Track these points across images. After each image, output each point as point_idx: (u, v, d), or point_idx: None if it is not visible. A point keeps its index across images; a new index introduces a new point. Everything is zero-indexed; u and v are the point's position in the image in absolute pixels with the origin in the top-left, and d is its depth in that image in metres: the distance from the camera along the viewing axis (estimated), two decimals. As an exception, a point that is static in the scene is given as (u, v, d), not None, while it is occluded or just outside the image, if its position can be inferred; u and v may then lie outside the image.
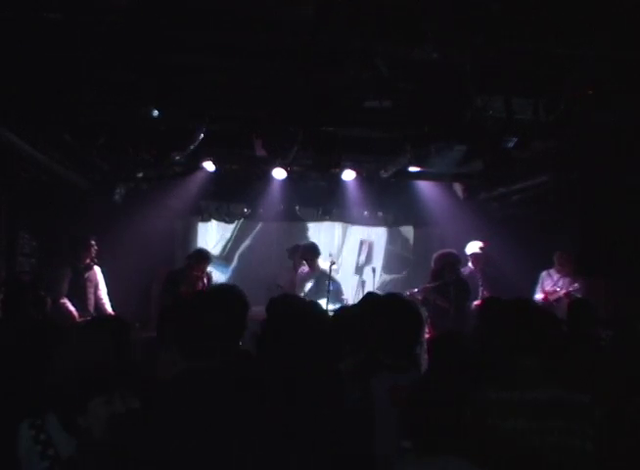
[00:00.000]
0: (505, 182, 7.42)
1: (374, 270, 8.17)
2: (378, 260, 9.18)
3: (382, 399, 2.45)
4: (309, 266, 7.49)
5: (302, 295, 7.19)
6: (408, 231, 9.40)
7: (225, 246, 9.15)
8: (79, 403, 2.05)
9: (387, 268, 9.15)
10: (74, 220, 7.46)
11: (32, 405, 2.26)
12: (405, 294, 6.47)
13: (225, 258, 9.12)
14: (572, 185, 6.53)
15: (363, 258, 9.15)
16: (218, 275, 8.80)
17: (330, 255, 7.67)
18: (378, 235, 9.34)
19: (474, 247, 7.33)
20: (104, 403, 2.02)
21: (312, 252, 7.51)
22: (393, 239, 9.36)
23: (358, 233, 9.30)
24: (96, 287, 6.87)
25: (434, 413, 2.16)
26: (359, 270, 9.18)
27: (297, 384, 2.24)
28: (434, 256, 6.89)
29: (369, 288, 7.79)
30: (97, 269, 6.92)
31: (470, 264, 7.30)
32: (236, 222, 9.06)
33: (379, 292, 5.63)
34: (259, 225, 9.10)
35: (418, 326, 2.88)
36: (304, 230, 9.21)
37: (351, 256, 9.19)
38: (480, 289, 7.07)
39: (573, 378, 2.73)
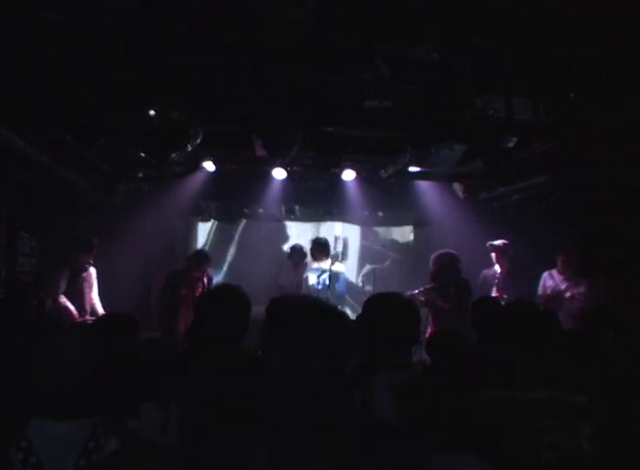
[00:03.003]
0: (505, 182, 7.42)
1: (374, 271, 8.25)
2: (354, 255, 9.47)
3: (383, 397, 2.45)
4: (315, 260, 7.55)
5: (309, 288, 7.38)
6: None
7: (204, 245, 9.25)
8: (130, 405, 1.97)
9: (365, 260, 9.63)
10: (74, 220, 7.46)
11: (21, 409, 2.23)
12: (406, 295, 6.47)
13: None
14: (572, 185, 6.53)
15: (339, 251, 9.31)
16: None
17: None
18: (353, 231, 9.72)
19: (496, 242, 7.28)
20: (159, 408, 1.93)
21: (321, 247, 7.59)
22: (365, 235, 9.78)
23: (332, 230, 9.61)
24: (90, 288, 6.90)
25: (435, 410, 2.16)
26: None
27: (298, 384, 2.24)
28: (433, 256, 6.87)
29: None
30: (92, 270, 6.94)
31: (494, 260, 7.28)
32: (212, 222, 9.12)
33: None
34: (239, 230, 9.13)
35: (417, 324, 2.88)
36: (304, 230, 9.25)
37: None
38: (494, 289, 7.06)
39: (573, 378, 2.73)
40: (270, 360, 2.33)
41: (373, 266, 9.13)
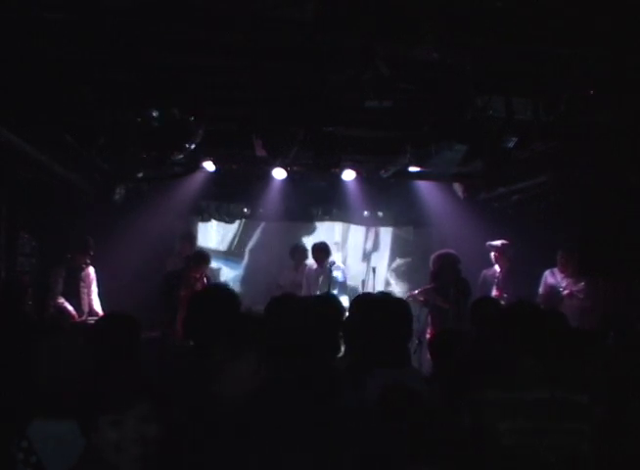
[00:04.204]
0: (505, 182, 7.42)
1: (374, 270, 8.20)
2: (386, 245, 9.26)
3: (375, 396, 2.45)
4: (319, 265, 7.57)
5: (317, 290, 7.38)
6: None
7: (232, 241, 9.20)
8: (88, 416, 1.81)
9: (396, 252, 9.30)
10: (74, 220, 7.46)
11: (20, 409, 2.22)
12: (406, 295, 6.48)
13: (235, 253, 9.19)
14: (572, 185, 6.53)
15: (370, 244, 9.21)
16: (228, 271, 8.92)
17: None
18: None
19: (495, 242, 7.29)
20: (112, 424, 1.76)
21: (324, 251, 7.61)
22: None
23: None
24: (88, 288, 6.88)
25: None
26: (367, 257, 9.29)
27: (296, 383, 2.25)
28: (433, 256, 6.88)
29: (378, 277, 7.98)
30: (91, 270, 6.93)
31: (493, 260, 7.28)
32: (238, 221, 9.13)
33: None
34: (261, 225, 9.14)
35: (408, 322, 2.88)
36: (304, 230, 9.23)
37: (359, 243, 9.33)
38: (494, 288, 7.06)
39: (573, 378, 2.73)
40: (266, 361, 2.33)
41: (403, 260, 9.00)
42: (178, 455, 1.91)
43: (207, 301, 2.94)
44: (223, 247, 9.11)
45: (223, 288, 3.06)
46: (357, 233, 9.31)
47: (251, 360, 2.24)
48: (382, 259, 9.26)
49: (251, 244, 9.21)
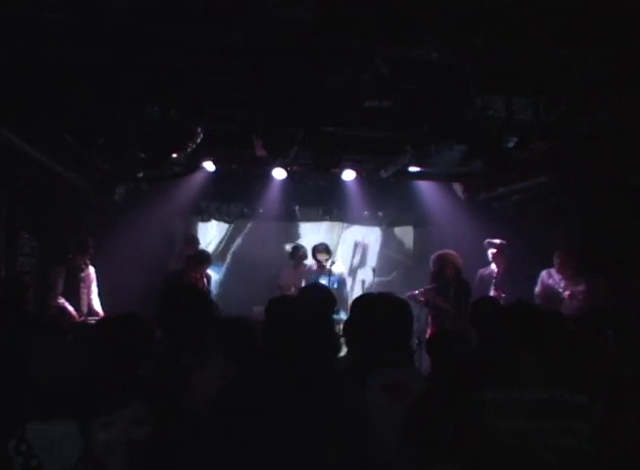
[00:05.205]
0: (505, 182, 7.42)
1: (374, 270, 8.20)
2: (371, 263, 9.22)
3: (376, 396, 2.45)
4: (319, 266, 7.58)
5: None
6: (403, 234, 9.46)
7: (219, 245, 9.18)
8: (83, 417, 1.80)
9: (379, 271, 8.99)
10: (74, 220, 7.46)
11: (18, 412, 2.21)
12: (406, 295, 6.48)
13: (218, 257, 9.15)
14: (572, 185, 6.53)
15: (357, 259, 9.20)
16: (212, 274, 8.88)
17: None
18: (374, 237, 9.44)
19: (494, 240, 7.28)
20: (102, 426, 1.75)
21: (324, 252, 7.62)
22: (388, 242, 9.44)
23: (354, 235, 9.37)
24: (88, 288, 6.88)
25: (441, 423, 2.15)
26: (353, 272, 9.26)
27: (296, 383, 2.25)
28: (433, 257, 6.88)
29: (368, 286, 7.93)
30: (91, 270, 6.93)
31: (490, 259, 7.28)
32: (227, 226, 9.15)
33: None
34: (250, 224, 9.13)
35: (409, 320, 2.89)
36: (304, 230, 9.23)
37: (346, 257, 9.28)
38: (492, 288, 7.06)
39: (573, 378, 2.73)
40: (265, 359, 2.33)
41: (382, 279, 8.88)
42: (168, 456, 1.90)
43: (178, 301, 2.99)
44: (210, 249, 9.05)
45: (197, 289, 3.12)
46: (347, 248, 9.25)
47: (219, 365, 2.23)
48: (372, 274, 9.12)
49: (234, 247, 9.18)
